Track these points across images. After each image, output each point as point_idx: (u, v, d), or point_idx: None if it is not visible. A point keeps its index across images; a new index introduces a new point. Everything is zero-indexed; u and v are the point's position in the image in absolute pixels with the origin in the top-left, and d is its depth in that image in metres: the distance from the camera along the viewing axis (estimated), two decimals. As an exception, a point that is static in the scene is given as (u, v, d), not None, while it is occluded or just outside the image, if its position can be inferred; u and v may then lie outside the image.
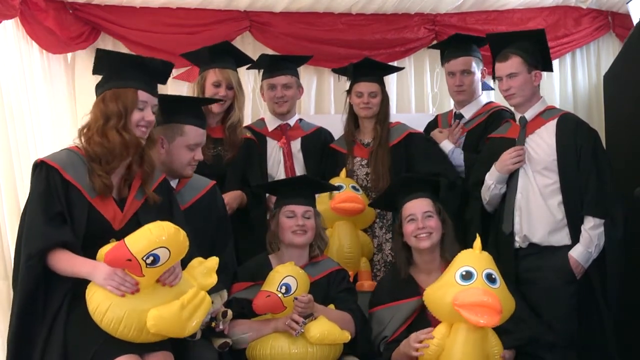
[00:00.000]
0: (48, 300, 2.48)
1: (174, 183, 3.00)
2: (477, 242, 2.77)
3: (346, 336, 2.90)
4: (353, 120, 3.82)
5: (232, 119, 3.58)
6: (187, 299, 2.41)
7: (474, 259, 2.72)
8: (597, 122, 4.82)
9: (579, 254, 3.29)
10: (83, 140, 2.57)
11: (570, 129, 3.37)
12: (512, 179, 3.44)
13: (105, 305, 2.36)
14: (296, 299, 2.89)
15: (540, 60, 3.46)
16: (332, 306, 3.09)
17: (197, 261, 2.61)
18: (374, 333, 3.12)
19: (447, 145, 3.82)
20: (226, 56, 3.65)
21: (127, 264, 2.34)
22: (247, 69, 4.09)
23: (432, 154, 3.76)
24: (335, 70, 4.11)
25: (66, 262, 2.45)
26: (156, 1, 4.40)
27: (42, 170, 2.52)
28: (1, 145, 3.68)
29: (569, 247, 3.32)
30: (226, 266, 2.97)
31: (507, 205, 3.45)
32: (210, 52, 3.62)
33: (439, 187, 3.36)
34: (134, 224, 2.56)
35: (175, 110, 2.95)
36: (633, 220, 3.51)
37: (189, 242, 2.45)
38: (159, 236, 2.34)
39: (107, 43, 4.47)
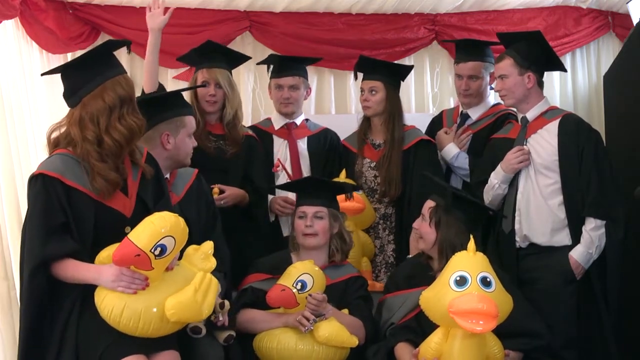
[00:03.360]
0: (56, 312, 2.47)
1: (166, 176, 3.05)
2: (471, 244, 2.73)
3: (354, 341, 2.90)
4: (367, 119, 3.82)
5: (227, 116, 3.62)
6: (198, 282, 2.43)
7: (468, 262, 2.67)
8: (597, 122, 4.82)
9: (579, 255, 3.29)
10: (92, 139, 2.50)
11: (572, 129, 3.36)
12: (513, 178, 3.44)
13: (120, 307, 2.36)
14: (310, 295, 2.90)
15: (541, 62, 3.46)
16: (345, 311, 3.08)
17: (191, 248, 2.61)
18: (382, 320, 3.12)
19: (452, 149, 3.80)
20: (213, 55, 3.67)
21: (136, 260, 2.34)
22: (257, 64, 4.10)
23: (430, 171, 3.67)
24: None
25: (71, 270, 2.44)
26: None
27: (40, 182, 2.46)
28: (1, 145, 3.68)
29: (569, 248, 3.32)
30: (217, 249, 2.95)
31: (507, 204, 3.45)
32: (197, 53, 3.66)
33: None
34: (140, 205, 2.57)
35: (171, 106, 3.01)
36: (633, 220, 3.51)
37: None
38: (162, 226, 2.35)
39: (107, 43, 4.48)
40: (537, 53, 3.43)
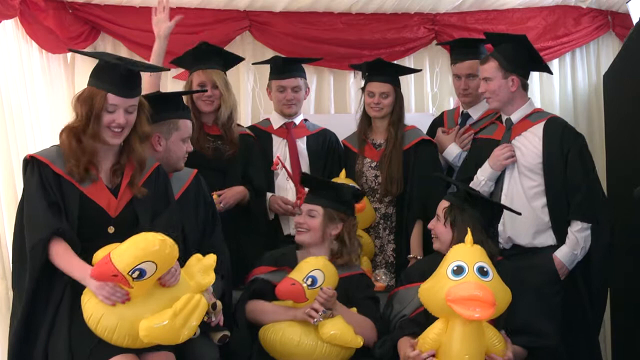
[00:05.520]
0: (51, 290, 2.52)
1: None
2: (469, 236, 2.76)
3: (358, 342, 2.89)
4: (366, 119, 3.82)
5: (222, 117, 3.63)
6: (179, 307, 2.41)
7: (465, 253, 2.70)
8: (597, 122, 4.83)
9: (563, 255, 3.32)
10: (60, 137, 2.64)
11: (557, 132, 3.39)
12: (498, 180, 3.44)
13: (99, 314, 2.38)
14: (321, 289, 2.91)
15: (526, 65, 3.47)
16: (353, 309, 3.07)
17: (195, 259, 2.63)
18: (394, 312, 3.12)
19: (454, 149, 3.81)
20: (209, 57, 3.68)
21: (113, 279, 2.34)
22: (253, 64, 4.11)
23: (431, 172, 3.68)
24: (352, 66, 4.13)
25: (64, 261, 2.49)
26: (156, 1, 4.38)
27: (34, 166, 2.58)
28: (0, 144, 3.67)
29: (554, 248, 3.34)
30: (216, 251, 2.95)
31: None
32: (193, 55, 3.67)
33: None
34: (130, 211, 2.61)
35: (165, 107, 3.00)
36: (633, 220, 3.51)
37: (178, 246, 2.45)
38: (144, 250, 2.34)
39: (107, 43, 4.48)
40: (521, 57, 3.45)
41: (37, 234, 2.49)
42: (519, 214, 3.33)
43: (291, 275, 2.98)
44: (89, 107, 2.55)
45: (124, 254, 2.34)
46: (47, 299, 2.52)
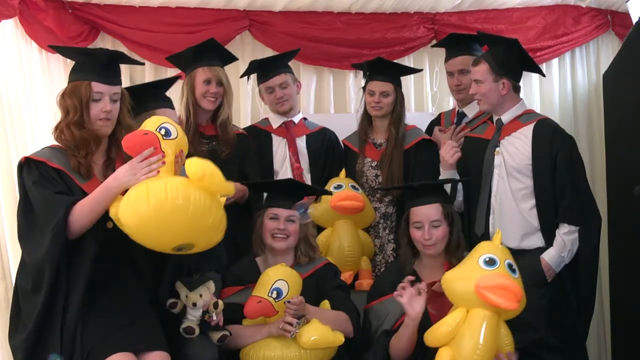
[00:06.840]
0: (70, 279, 2.51)
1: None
2: (498, 235, 2.83)
3: (340, 339, 2.88)
4: (367, 118, 3.83)
5: (222, 116, 3.62)
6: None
7: (496, 248, 2.79)
8: (597, 122, 4.83)
9: (551, 258, 3.31)
10: (55, 136, 2.64)
11: (547, 134, 3.38)
12: (486, 181, 3.44)
13: (144, 191, 2.38)
14: (288, 301, 2.87)
15: (517, 68, 3.47)
16: (326, 302, 3.06)
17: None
18: (373, 327, 3.10)
19: None
20: (213, 54, 3.66)
21: (144, 139, 2.46)
22: (241, 77, 4.12)
23: (432, 172, 3.67)
24: (353, 65, 4.14)
25: (84, 201, 2.47)
26: (155, 0, 4.40)
27: (30, 166, 2.58)
28: (0, 144, 3.68)
29: (541, 249, 3.34)
30: (213, 251, 2.93)
31: (480, 206, 3.46)
32: (197, 51, 3.63)
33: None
34: None
35: (141, 99, 3.00)
36: (633, 220, 3.51)
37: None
38: (159, 118, 2.59)
39: (107, 43, 4.47)
40: (513, 60, 3.45)
41: (59, 210, 2.45)
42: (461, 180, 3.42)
43: (255, 293, 2.92)
44: (77, 99, 2.58)
45: (146, 122, 2.57)
46: (66, 289, 2.51)
